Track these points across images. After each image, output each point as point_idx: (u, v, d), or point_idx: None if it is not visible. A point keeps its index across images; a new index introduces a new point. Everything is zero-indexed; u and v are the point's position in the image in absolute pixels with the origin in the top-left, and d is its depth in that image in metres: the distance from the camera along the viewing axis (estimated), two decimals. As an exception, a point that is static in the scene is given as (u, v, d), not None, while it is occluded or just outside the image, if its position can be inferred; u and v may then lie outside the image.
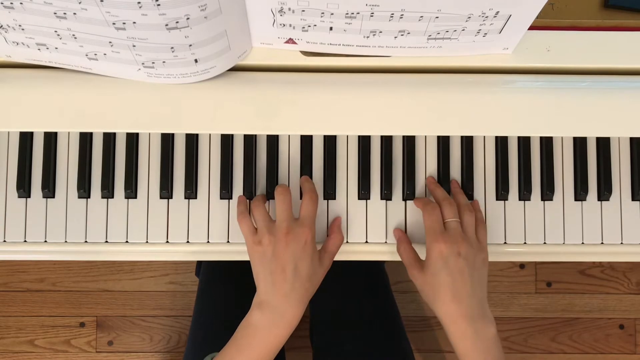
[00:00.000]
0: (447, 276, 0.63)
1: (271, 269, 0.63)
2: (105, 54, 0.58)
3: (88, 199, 0.72)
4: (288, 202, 0.65)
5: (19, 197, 0.72)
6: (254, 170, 0.72)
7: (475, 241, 0.67)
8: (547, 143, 0.74)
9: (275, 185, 0.72)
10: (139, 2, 0.49)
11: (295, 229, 0.64)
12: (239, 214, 0.68)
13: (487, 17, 0.55)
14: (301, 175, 0.72)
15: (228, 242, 0.72)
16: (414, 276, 0.67)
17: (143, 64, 0.58)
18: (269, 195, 0.72)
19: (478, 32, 0.58)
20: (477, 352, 0.63)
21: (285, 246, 0.63)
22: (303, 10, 0.55)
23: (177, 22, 0.52)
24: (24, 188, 0.71)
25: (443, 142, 0.73)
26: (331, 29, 0.57)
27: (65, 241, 0.72)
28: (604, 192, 0.73)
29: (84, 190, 0.71)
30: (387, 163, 0.73)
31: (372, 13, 0.54)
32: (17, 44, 0.58)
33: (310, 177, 0.72)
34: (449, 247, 0.64)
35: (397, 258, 0.73)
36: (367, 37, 0.59)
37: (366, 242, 0.73)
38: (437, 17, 0.54)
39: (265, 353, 0.63)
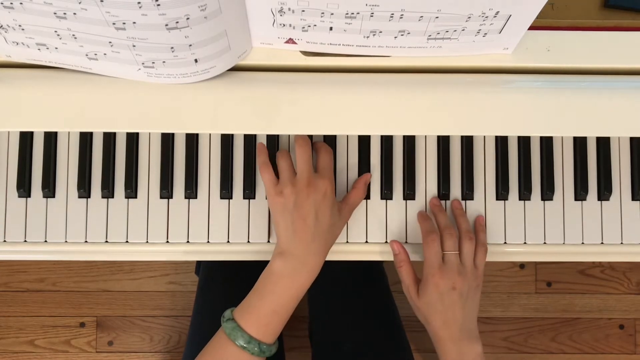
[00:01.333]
0: (440, 306, 0.67)
1: (293, 219, 0.64)
2: (105, 54, 0.58)
3: (88, 199, 0.72)
4: (309, 153, 0.66)
5: (19, 197, 0.72)
6: (254, 170, 0.72)
7: (473, 271, 0.69)
8: (547, 143, 0.74)
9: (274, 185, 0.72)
10: (139, 2, 0.49)
11: (315, 180, 0.65)
12: (262, 163, 0.68)
13: (487, 17, 0.55)
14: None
15: (228, 242, 0.72)
16: (410, 297, 0.71)
17: (143, 64, 0.58)
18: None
19: (478, 32, 0.58)
20: None
21: (306, 197, 0.64)
22: (303, 10, 0.55)
23: (177, 22, 0.52)
24: (24, 188, 0.71)
25: (443, 142, 0.73)
26: (331, 29, 0.57)
27: (65, 241, 0.72)
28: (604, 192, 0.73)
29: (84, 190, 0.71)
30: (387, 163, 0.73)
31: (372, 13, 0.54)
32: (17, 44, 0.58)
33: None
34: (445, 282, 0.67)
35: (397, 258, 0.73)
36: (367, 37, 0.59)
37: (366, 242, 0.73)
38: (437, 17, 0.54)
39: (288, 300, 0.64)
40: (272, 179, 0.67)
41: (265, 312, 0.63)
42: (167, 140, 0.72)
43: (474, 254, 0.69)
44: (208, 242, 0.72)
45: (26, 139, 0.72)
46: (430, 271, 0.68)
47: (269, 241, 0.72)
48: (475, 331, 0.68)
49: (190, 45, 0.56)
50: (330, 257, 0.72)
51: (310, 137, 0.72)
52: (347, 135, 0.73)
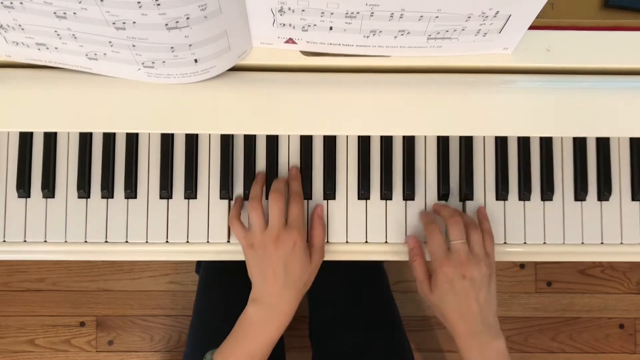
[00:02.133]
0: (453, 298, 0.66)
1: (263, 270, 0.66)
2: (105, 54, 0.58)
3: (88, 199, 0.72)
4: (281, 207, 0.67)
5: (19, 197, 0.72)
6: (254, 170, 0.72)
7: (484, 257, 0.67)
8: (547, 143, 0.74)
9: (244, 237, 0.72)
10: (139, 2, 0.49)
11: (284, 233, 0.66)
12: (232, 217, 0.70)
13: (487, 17, 0.55)
14: (301, 173, 0.72)
15: (228, 242, 0.72)
16: (424, 294, 0.69)
17: (143, 63, 0.58)
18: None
19: (478, 32, 0.58)
20: None
21: (275, 250, 0.66)
22: (303, 10, 0.55)
23: (177, 22, 0.52)
24: (24, 188, 0.71)
25: (443, 142, 0.73)
26: (331, 28, 0.57)
27: (65, 241, 0.72)
28: (604, 192, 0.73)
29: (84, 190, 0.71)
30: (387, 163, 0.72)
31: (372, 13, 0.54)
32: (17, 43, 0.58)
33: (310, 177, 0.72)
34: (454, 270, 0.66)
35: (397, 258, 0.73)
36: (367, 37, 0.58)
37: (366, 242, 0.73)
38: (437, 17, 0.54)
39: (262, 345, 0.67)
40: (242, 232, 0.69)
41: (241, 355, 0.66)
42: (167, 140, 0.72)
43: (482, 242, 0.68)
44: (208, 242, 0.72)
45: (26, 139, 0.72)
46: (438, 262, 0.67)
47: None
48: (496, 326, 0.66)
49: (190, 45, 0.56)
50: (330, 257, 0.73)
51: (310, 137, 0.72)
52: (347, 135, 0.73)
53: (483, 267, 0.66)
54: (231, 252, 0.72)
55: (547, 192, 0.73)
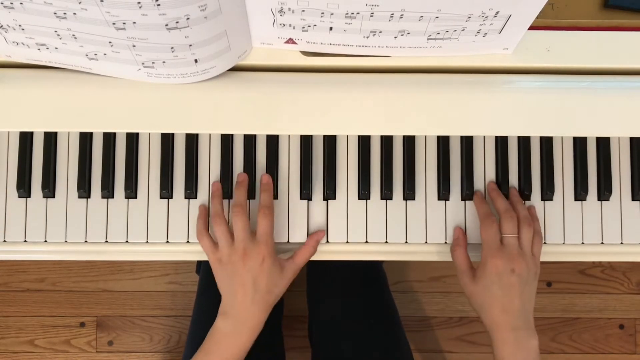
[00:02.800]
0: (499, 290, 0.66)
1: (232, 285, 0.67)
2: (105, 54, 0.58)
3: (88, 199, 0.72)
4: (244, 221, 0.67)
5: (19, 197, 0.72)
6: (254, 170, 0.72)
7: (531, 257, 0.67)
8: (547, 143, 0.74)
9: (275, 186, 0.72)
10: (139, 2, 0.49)
11: (252, 248, 0.66)
12: (198, 232, 0.70)
13: (487, 17, 0.55)
14: (301, 173, 0.72)
15: (228, 242, 0.72)
16: (465, 283, 0.69)
17: (143, 64, 0.58)
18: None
19: (478, 32, 0.58)
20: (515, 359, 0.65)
21: (243, 265, 0.66)
22: (303, 10, 0.55)
23: (177, 22, 0.52)
24: (24, 188, 0.71)
25: (443, 142, 0.73)
26: (331, 29, 0.57)
27: (65, 241, 0.72)
28: (604, 192, 0.73)
29: (84, 190, 0.71)
30: (387, 163, 0.72)
31: (372, 13, 0.54)
32: (17, 44, 0.58)
33: (310, 177, 0.72)
34: (505, 263, 0.66)
35: (397, 258, 0.73)
36: (367, 37, 0.59)
37: (366, 242, 0.73)
38: (437, 17, 0.54)
39: (231, 357, 0.67)
40: (210, 246, 0.68)
41: None
42: (167, 140, 0.72)
43: (532, 241, 0.68)
44: (208, 242, 0.72)
45: (26, 139, 0.72)
46: (489, 252, 0.66)
47: (287, 241, 0.72)
48: (532, 324, 0.66)
49: (190, 46, 0.56)
50: (330, 257, 0.73)
51: (310, 137, 0.72)
52: (347, 135, 0.73)
53: (530, 264, 0.67)
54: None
55: (547, 192, 0.73)
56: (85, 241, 0.72)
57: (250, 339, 0.67)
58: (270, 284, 0.67)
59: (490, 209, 0.70)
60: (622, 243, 0.73)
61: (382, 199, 0.73)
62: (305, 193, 0.72)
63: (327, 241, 0.72)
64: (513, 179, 0.73)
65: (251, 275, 0.66)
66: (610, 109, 0.64)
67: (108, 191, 0.71)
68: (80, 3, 0.49)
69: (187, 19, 0.52)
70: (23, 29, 0.55)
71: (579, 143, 0.74)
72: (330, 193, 0.72)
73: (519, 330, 0.65)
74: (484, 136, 0.74)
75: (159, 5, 0.49)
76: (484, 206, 0.71)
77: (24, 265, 1.46)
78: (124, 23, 0.52)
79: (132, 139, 0.72)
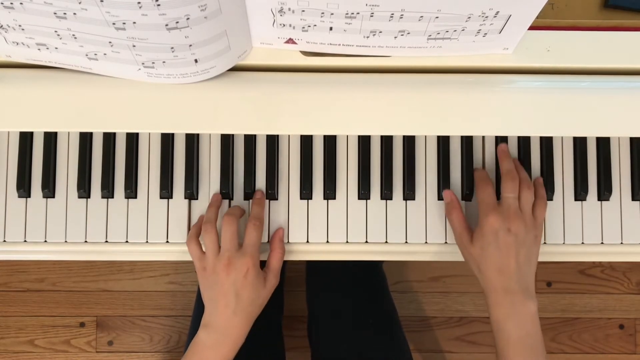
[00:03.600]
0: (495, 250, 0.64)
1: (214, 295, 0.66)
2: (105, 54, 0.58)
3: (88, 199, 0.72)
4: (234, 231, 0.67)
5: (19, 197, 0.72)
6: (254, 170, 0.72)
7: (531, 218, 0.67)
8: (547, 143, 0.74)
9: (275, 186, 0.72)
10: (139, 2, 0.49)
11: (236, 259, 0.66)
12: (189, 237, 0.70)
13: (487, 17, 0.55)
14: (301, 173, 0.72)
15: (228, 242, 0.72)
16: (463, 245, 0.68)
17: (143, 64, 0.58)
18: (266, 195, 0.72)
19: (478, 32, 0.58)
20: (510, 323, 0.63)
21: (226, 276, 0.65)
22: (303, 10, 0.55)
23: (177, 22, 0.52)
24: (24, 188, 0.71)
25: (443, 142, 0.73)
26: (331, 29, 0.57)
27: (65, 241, 0.72)
28: (604, 192, 0.73)
29: (84, 190, 0.71)
30: (387, 163, 0.72)
31: (372, 13, 0.54)
32: (17, 44, 0.58)
33: (310, 177, 0.72)
34: (501, 222, 0.65)
35: (396, 258, 0.73)
36: (367, 37, 0.59)
37: (366, 242, 0.73)
38: (437, 17, 0.54)
39: None
40: (197, 253, 0.68)
41: None
42: (167, 140, 0.72)
43: (532, 205, 0.68)
44: (208, 242, 0.72)
45: (26, 139, 0.72)
46: (485, 212, 0.66)
47: (268, 241, 0.72)
48: (532, 289, 0.65)
49: (190, 46, 0.56)
50: (330, 257, 0.73)
51: (310, 137, 0.72)
52: (347, 135, 0.73)
53: (529, 226, 0.66)
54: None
55: (547, 192, 0.73)
56: (85, 241, 0.72)
57: (232, 351, 0.67)
58: (253, 295, 0.66)
59: (487, 175, 0.70)
60: (622, 243, 0.73)
61: (382, 199, 0.73)
62: (305, 193, 0.72)
63: (327, 241, 0.72)
64: (513, 179, 0.73)
65: (234, 286, 0.65)
66: (610, 109, 0.64)
67: (108, 191, 0.71)
68: (80, 3, 0.49)
69: (187, 19, 0.52)
70: (23, 29, 0.55)
71: (579, 143, 0.74)
72: (330, 193, 0.72)
73: (514, 293, 0.64)
74: (484, 136, 0.74)
75: (159, 5, 0.49)
76: (481, 172, 0.70)
77: (24, 265, 1.46)
78: (124, 23, 0.52)
79: (132, 139, 0.72)
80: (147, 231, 0.72)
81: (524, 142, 0.74)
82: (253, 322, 0.68)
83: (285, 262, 1.17)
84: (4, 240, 0.71)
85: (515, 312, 0.63)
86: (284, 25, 0.58)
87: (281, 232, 0.71)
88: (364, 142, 0.73)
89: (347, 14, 0.54)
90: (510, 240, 0.64)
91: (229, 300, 0.65)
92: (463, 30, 0.57)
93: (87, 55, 0.58)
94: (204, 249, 0.68)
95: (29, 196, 0.72)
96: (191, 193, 0.72)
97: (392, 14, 0.54)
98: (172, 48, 0.56)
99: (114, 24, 0.52)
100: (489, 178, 0.69)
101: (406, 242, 0.73)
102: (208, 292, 0.67)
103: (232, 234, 0.66)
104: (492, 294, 0.65)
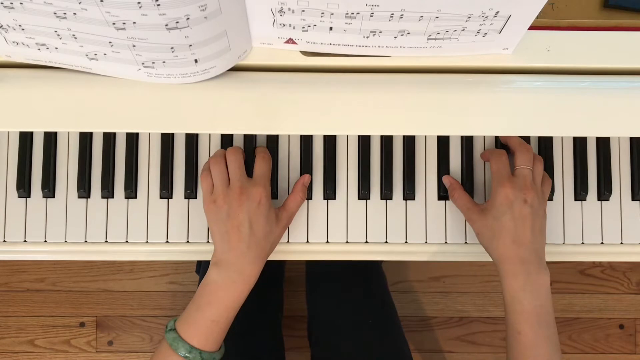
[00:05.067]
0: (510, 221, 0.64)
1: (227, 228, 0.64)
2: (105, 54, 0.58)
3: (88, 199, 0.72)
4: (239, 161, 0.66)
5: (19, 197, 0.72)
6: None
7: (540, 191, 0.67)
8: (546, 143, 0.74)
9: (275, 185, 0.72)
10: (139, 2, 0.49)
11: (249, 188, 0.64)
12: (203, 170, 0.68)
13: (487, 17, 0.55)
14: (301, 172, 0.72)
15: (228, 242, 0.72)
16: (472, 220, 0.68)
17: (143, 64, 0.58)
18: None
19: (478, 32, 0.58)
20: (525, 293, 0.63)
21: (239, 206, 0.63)
22: (303, 10, 0.55)
23: (177, 22, 0.52)
24: (24, 188, 0.71)
25: (443, 142, 0.73)
26: (331, 29, 0.57)
27: (65, 241, 0.72)
28: (604, 192, 0.73)
29: (84, 190, 0.71)
30: (387, 163, 0.73)
31: (372, 13, 0.54)
32: (17, 44, 0.58)
33: (311, 177, 0.72)
34: (516, 192, 0.64)
35: (396, 258, 0.73)
36: (367, 37, 0.59)
37: (366, 242, 0.73)
38: (437, 17, 0.54)
39: (225, 309, 0.64)
40: (209, 188, 0.67)
41: (204, 322, 0.63)
42: (167, 140, 0.72)
43: (542, 180, 0.67)
44: (208, 241, 0.72)
45: (26, 139, 0.72)
46: (500, 182, 0.65)
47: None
48: (544, 261, 0.64)
49: (190, 46, 0.56)
50: (330, 257, 0.73)
51: (310, 137, 0.72)
52: (347, 135, 0.73)
53: (541, 198, 0.65)
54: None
55: (547, 192, 0.73)
56: (85, 241, 0.72)
57: (246, 290, 0.64)
58: (267, 228, 0.64)
59: (500, 149, 0.70)
60: (622, 243, 0.73)
61: (382, 199, 0.73)
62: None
63: (327, 241, 0.72)
64: (513, 179, 0.73)
65: (247, 216, 0.63)
66: (610, 109, 0.64)
67: (108, 191, 0.71)
68: (80, 3, 0.49)
69: (187, 19, 0.52)
70: (23, 29, 0.55)
71: (579, 143, 0.74)
72: (330, 193, 0.72)
73: (530, 264, 0.63)
74: (484, 136, 0.74)
75: (159, 5, 0.49)
76: (494, 149, 0.70)
77: (24, 265, 1.46)
78: (124, 23, 0.52)
79: (132, 139, 0.72)
80: (147, 231, 0.72)
81: (524, 142, 0.74)
82: (265, 262, 0.66)
83: (285, 262, 1.18)
84: (4, 240, 0.71)
85: (530, 282, 0.62)
86: (284, 25, 0.58)
87: (306, 178, 0.70)
88: (364, 142, 0.73)
89: (347, 14, 0.54)
90: (526, 211, 0.63)
91: (242, 233, 0.63)
92: (463, 30, 0.57)
93: (87, 55, 0.58)
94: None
95: (29, 196, 0.72)
96: (191, 193, 0.72)
97: (392, 14, 0.54)
98: (172, 48, 0.56)
99: (114, 24, 0.52)
100: (503, 150, 0.69)
101: (406, 242, 0.73)
102: (219, 226, 0.64)
103: (240, 164, 0.65)
104: (507, 264, 0.63)
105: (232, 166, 0.66)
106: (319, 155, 0.73)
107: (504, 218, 0.64)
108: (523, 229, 0.63)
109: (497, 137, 0.74)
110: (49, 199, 0.72)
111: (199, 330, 0.63)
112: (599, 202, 0.74)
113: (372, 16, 0.54)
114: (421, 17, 0.54)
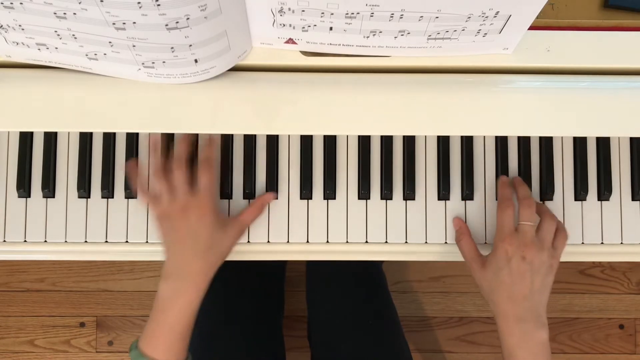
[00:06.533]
0: (507, 277, 0.64)
1: (173, 241, 0.65)
2: (105, 54, 0.58)
3: (88, 199, 0.72)
4: (183, 175, 0.66)
5: (19, 197, 0.72)
6: (254, 170, 0.72)
7: (549, 248, 0.66)
8: (547, 143, 0.74)
9: (275, 186, 0.72)
10: (139, 2, 0.49)
11: (192, 201, 0.65)
12: (139, 193, 0.69)
13: (487, 17, 0.55)
14: (301, 173, 0.72)
15: (228, 242, 0.72)
16: (474, 271, 0.68)
17: (143, 64, 0.58)
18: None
19: (478, 32, 0.58)
20: (521, 351, 0.63)
21: (182, 218, 0.65)
22: (303, 10, 0.55)
23: (177, 22, 0.52)
24: (24, 188, 0.71)
25: (443, 142, 0.73)
26: (331, 29, 0.57)
27: (65, 241, 0.72)
28: (604, 192, 0.73)
29: (84, 190, 0.71)
30: (387, 163, 0.73)
31: (372, 13, 0.54)
32: (17, 44, 0.58)
33: (310, 176, 0.72)
34: (515, 249, 0.65)
35: (397, 258, 0.74)
36: (367, 37, 0.59)
37: (366, 242, 0.73)
38: (437, 17, 0.54)
39: (181, 319, 0.65)
40: (152, 201, 0.68)
41: (162, 334, 0.64)
42: (167, 140, 0.72)
43: (553, 235, 0.67)
44: (208, 242, 0.72)
45: (26, 139, 0.72)
46: (501, 237, 0.66)
47: (268, 241, 0.72)
48: (544, 317, 0.65)
49: (190, 46, 0.56)
50: (331, 257, 0.73)
51: (310, 137, 0.72)
52: (347, 135, 0.73)
53: (545, 254, 0.65)
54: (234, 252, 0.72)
55: (547, 192, 0.73)
56: (85, 241, 0.72)
57: (196, 298, 0.65)
58: (212, 240, 0.65)
59: (511, 194, 0.69)
60: (622, 243, 0.73)
61: (382, 199, 0.73)
62: (305, 193, 0.72)
63: (327, 241, 0.72)
64: (513, 179, 0.73)
65: (191, 230, 0.64)
66: (610, 109, 0.64)
67: (108, 191, 0.71)
68: (80, 3, 0.49)
69: (187, 19, 0.52)
70: (23, 29, 0.55)
71: (579, 143, 0.74)
72: (330, 193, 0.72)
73: (525, 321, 0.64)
74: (484, 136, 0.74)
75: (159, 5, 0.49)
76: (505, 190, 0.70)
77: (24, 265, 1.46)
78: (124, 23, 0.52)
79: (132, 139, 0.72)
80: (147, 231, 0.72)
81: (524, 142, 0.74)
82: (214, 271, 0.67)
83: (285, 262, 1.17)
84: (4, 240, 0.71)
85: (526, 341, 0.63)
86: (284, 25, 0.58)
87: (268, 197, 0.70)
88: (364, 142, 0.73)
89: (347, 14, 0.54)
90: (523, 268, 0.64)
91: (187, 244, 0.65)
92: (463, 30, 0.57)
93: (87, 55, 0.58)
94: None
95: (29, 196, 0.72)
96: (191, 193, 0.72)
97: (392, 14, 0.54)
98: (172, 48, 0.56)
99: (114, 24, 0.52)
100: (512, 199, 0.69)
101: (406, 242, 0.73)
102: (166, 238, 0.66)
103: (184, 176, 0.66)
104: (504, 321, 0.65)
105: (176, 181, 0.66)
106: (319, 155, 0.73)
107: (502, 273, 0.65)
108: (520, 286, 0.64)
109: (497, 138, 0.73)
110: (49, 199, 0.72)
111: (159, 342, 0.64)
112: (599, 202, 0.74)
113: (372, 16, 0.54)
114: (421, 17, 0.54)
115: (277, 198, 0.71)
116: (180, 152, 0.68)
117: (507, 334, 0.64)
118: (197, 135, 0.71)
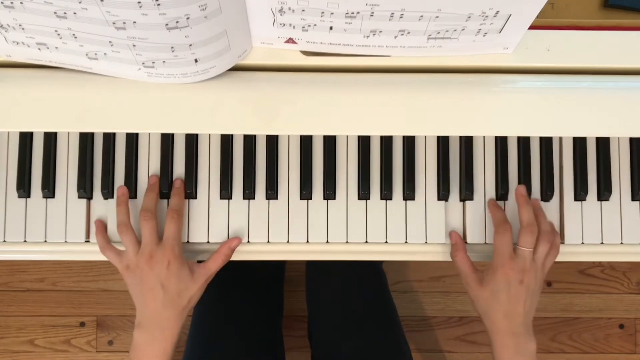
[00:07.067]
0: (505, 298, 0.67)
1: (141, 291, 0.67)
2: (105, 54, 0.58)
3: (88, 199, 0.72)
4: (152, 225, 0.68)
5: (19, 197, 0.72)
6: (254, 170, 0.72)
7: (540, 268, 0.68)
8: (547, 143, 0.74)
9: (275, 186, 0.72)
10: (139, 2, 0.49)
11: (157, 252, 0.67)
12: (101, 247, 0.70)
13: (487, 16, 0.55)
14: (301, 173, 0.72)
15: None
16: (470, 287, 0.70)
17: (143, 63, 0.58)
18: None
19: (478, 32, 0.58)
20: None
21: (149, 270, 0.66)
22: (303, 10, 0.55)
23: (177, 21, 0.52)
24: (24, 188, 0.71)
25: (443, 142, 0.73)
26: (331, 28, 0.57)
27: (65, 241, 0.72)
28: (604, 192, 0.73)
29: (84, 190, 0.71)
30: (387, 163, 0.73)
31: (372, 13, 0.54)
32: (17, 43, 0.58)
33: (310, 177, 0.72)
34: (515, 274, 0.67)
35: (396, 258, 0.74)
36: (367, 36, 0.58)
37: (366, 242, 0.73)
38: (437, 17, 0.54)
39: None
40: (116, 257, 0.69)
41: None
42: (167, 140, 0.72)
43: (545, 254, 0.69)
44: (208, 242, 0.72)
45: (26, 139, 0.72)
46: (501, 261, 0.67)
47: (268, 241, 0.72)
48: (531, 328, 0.69)
49: (190, 45, 0.56)
50: (331, 257, 0.73)
51: (310, 137, 0.72)
52: (347, 135, 0.73)
53: (539, 275, 0.68)
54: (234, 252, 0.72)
55: (547, 192, 0.73)
56: (85, 241, 0.72)
57: (168, 346, 0.67)
58: (180, 287, 0.67)
59: (505, 216, 0.70)
60: (622, 243, 0.73)
61: (382, 199, 0.73)
62: (305, 193, 0.72)
63: (327, 241, 0.72)
64: (513, 179, 0.73)
65: (158, 279, 0.66)
66: (610, 109, 0.64)
67: (108, 191, 0.71)
68: (80, 3, 0.49)
69: (187, 18, 0.52)
70: (23, 29, 0.55)
71: (579, 143, 0.74)
72: (330, 193, 0.72)
73: (519, 335, 0.67)
74: (484, 136, 0.74)
75: (159, 4, 0.49)
76: (498, 213, 0.71)
77: (24, 265, 1.46)
78: (124, 23, 0.52)
79: (132, 139, 0.72)
80: (147, 231, 0.72)
81: (524, 142, 0.74)
82: (185, 316, 0.68)
83: (284, 262, 1.18)
84: (4, 240, 0.71)
85: (519, 352, 0.67)
86: (284, 24, 0.58)
87: (234, 242, 0.71)
88: (364, 142, 0.73)
89: (347, 13, 0.54)
90: (521, 291, 0.67)
91: (156, 294, 0.66)
92: (463, 30, 0.57)
93: (87, 55, 0.58)
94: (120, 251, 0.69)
95: (29, 196, 0.72)
96: (191, 193, 0.72)
97: (392, 13, 0.54)
98: (172, 48, 0.56)
99: (114, 23, 0.52)
100: (507, 221, 0.69)
101: (406, 242, 0.73)
102: (135, 290, 0.68)
103: (151, 229, 0.67)
104: (498, 335, 0.68)
105: (145, 233, 0.67)
106: (319, 156, 0.73)
107: (500, 294, 0.67)
108: (516, 306, 0.67)
109: (496, 137, 0.73)
110: (49, 199, 0.72)
111: None
112: (599, 202, 0.74)
113: (372, 16, 0.54)
114: (421, 16, 0.54)
115: (241, 242, 0.71)
116: (148, 203, 0.69)
117: (501, 347, 0.68)
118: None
